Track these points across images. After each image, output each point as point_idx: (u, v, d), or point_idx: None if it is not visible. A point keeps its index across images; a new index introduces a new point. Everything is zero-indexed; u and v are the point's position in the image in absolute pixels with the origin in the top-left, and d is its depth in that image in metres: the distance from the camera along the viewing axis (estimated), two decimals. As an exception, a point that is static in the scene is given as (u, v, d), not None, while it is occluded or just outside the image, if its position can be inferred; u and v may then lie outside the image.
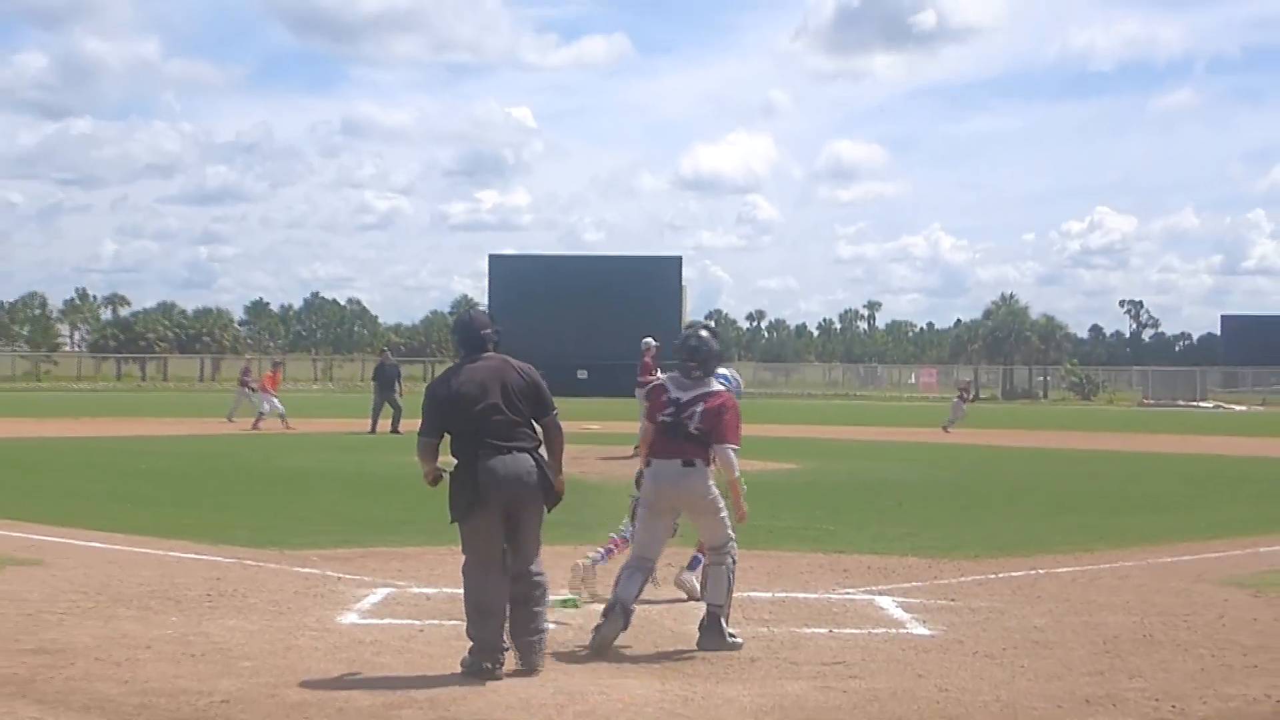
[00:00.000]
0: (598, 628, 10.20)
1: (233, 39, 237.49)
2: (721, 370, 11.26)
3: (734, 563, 10.72)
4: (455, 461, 9.70)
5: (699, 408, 10.60)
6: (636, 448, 12.17)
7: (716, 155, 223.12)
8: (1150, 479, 28.16)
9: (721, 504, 10.75)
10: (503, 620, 9.51)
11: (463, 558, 9.76)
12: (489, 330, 10.07)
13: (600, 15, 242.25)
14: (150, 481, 24.01)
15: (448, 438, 9.76)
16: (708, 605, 10.51)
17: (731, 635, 10.39)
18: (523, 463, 9.66)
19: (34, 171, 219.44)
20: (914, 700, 8.80)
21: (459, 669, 9.35)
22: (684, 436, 10.55)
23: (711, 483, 10.73)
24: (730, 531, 10.76)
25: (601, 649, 10.08)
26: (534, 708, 8.48)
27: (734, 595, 10.84)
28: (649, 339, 28.16)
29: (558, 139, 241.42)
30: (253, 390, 43.68)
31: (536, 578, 9.76)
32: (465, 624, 9.57)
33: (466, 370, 9.87)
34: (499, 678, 9.19)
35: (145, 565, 14.07)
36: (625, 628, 10.28)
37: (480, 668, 9.30)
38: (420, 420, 10.00)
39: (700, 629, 10.44)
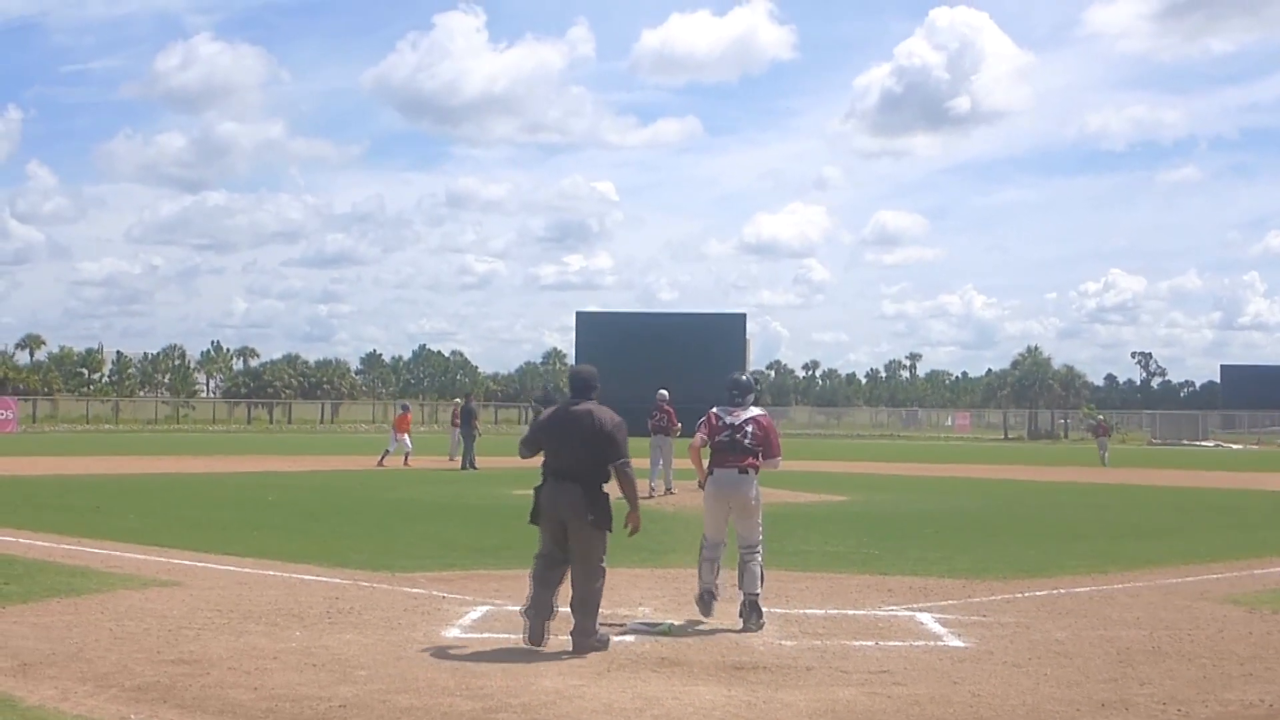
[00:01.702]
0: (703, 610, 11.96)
1: (350, 121, 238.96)
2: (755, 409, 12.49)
3: (761, 559, 12.06)
4: None
5: (750, 427, 12.11)
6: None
7: (776, 224, 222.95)
8: (1157, 509, 28.22)
9: (760, 510, 12.21)
10: (546, 599, 10.76)
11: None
12: (592, 382, 11.23)
13: (673, 100, 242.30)
14: (276, 512, 24.12)
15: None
16: (745, 594, 11.79)
17: (761, 615, 11.75)
18: (570, 492, 10.78)
19: (174, 238, 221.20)
20: (950, 705, 8.81)
21: (554, 675, 9.39)
22: (740, 450, 12.04)
23: (758, 488, 12.17)
24: (762, 534, 12.18)
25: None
26: (616, 710, 8.47)
27: (789, 611, 12.22)
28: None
29: (636, 209, 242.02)
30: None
31: (588, 588, 10.77)
32: None
33: (563, 412, 11.04)
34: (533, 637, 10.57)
35: (272, 586, 14.13)
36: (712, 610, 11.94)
37: (522, 614, 10.76)
38: (525, 434, 11.42)
39: (741, 615, 11.75)
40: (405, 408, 46.66)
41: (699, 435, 12.40)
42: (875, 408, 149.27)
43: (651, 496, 26.30)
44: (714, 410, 12.41)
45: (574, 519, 10.74)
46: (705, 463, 12.39)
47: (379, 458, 42.01)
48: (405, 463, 41.45)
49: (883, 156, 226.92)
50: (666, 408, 28.24)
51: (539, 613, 10.65)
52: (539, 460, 11.10)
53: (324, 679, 9.26)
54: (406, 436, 42.89)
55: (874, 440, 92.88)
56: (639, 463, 13.10)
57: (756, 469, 12.15)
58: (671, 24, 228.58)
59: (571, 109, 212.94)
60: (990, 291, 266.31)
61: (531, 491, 11.09)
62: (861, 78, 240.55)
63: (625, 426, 10.99)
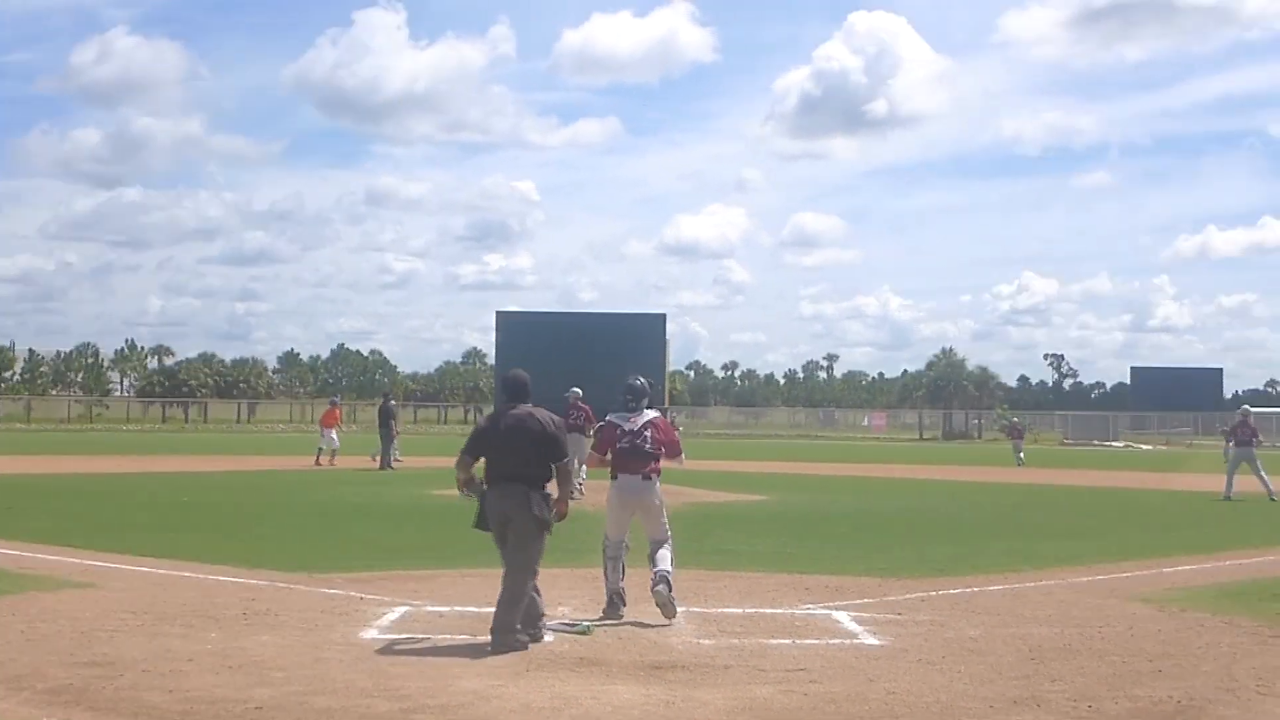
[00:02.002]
0: (611, 614, 12.10)
1: (269, 118, 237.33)
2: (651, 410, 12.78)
3: (670, 546, 12.30)
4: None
5: (649, 431, 12.37)
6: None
7: (696, 225, 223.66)
8: (1069, 509, 28.64)
9: (664, 510, 12.51)
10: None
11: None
12: (529, 386, 11.44)
13: (595, 101, 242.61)
14: (192, 513, 23.94)
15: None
16: (658, 571, 11.95)
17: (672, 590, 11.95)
18: (516, 493, 10.96)
19: (89, 235, 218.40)
20: (866, 702, 8.89)
21: (473, 675, 9.38)
22: (642, 456, 12.29)
23: (660, 491, 12.48)
24: (668, 529, 12.42)
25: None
26: (534, 710, 8.48)
27: (707, 610, 12.49)
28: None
29: (557, 209, 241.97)
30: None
31: (521, 586, 10.88)
32: None
33: (506, 416, 11.27)
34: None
35: (187, 587, 14.02)
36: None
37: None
38: (466, 441, 11.38)
39: (653, 589, 11.89)
40: (334, 402, 46.41)
41: (595, 453, 12.82)
42: (793, 408, 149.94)
43: (574, 496, 26.17)
44: (610, 418, 12.68)
45: (518, 517, 10.94)
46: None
47: (315, 457, 41.77)
48: (331, 461, 41.22)
49: (802, 159, 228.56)
50: (583, 405, 27.94)
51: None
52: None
53: (240, 681, 9.20)
54: (334, 433, 42.60)
55: (792, 440, 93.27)
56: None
57: (659, 473, 12.47)
58: (593, 24, 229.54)
59: (493, 108, 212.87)
60: (906, 293, 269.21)
61: (465, 497, 11.35)
62: (781, 80, 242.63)
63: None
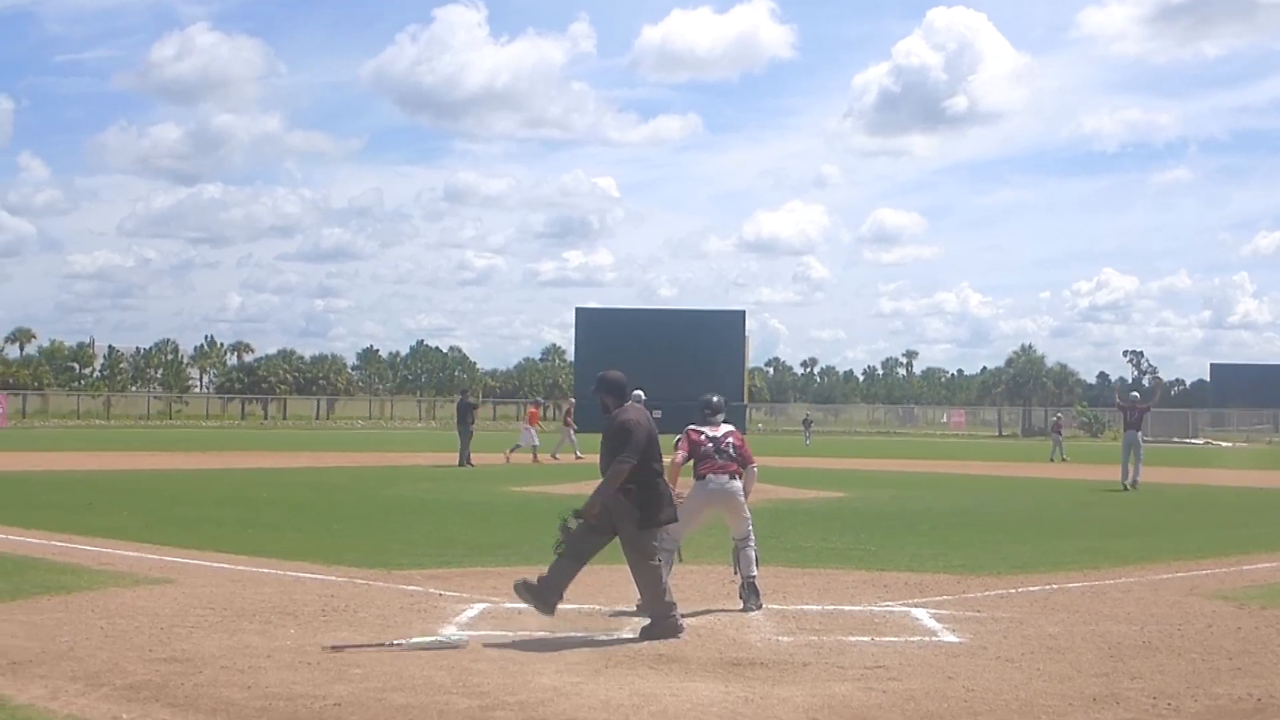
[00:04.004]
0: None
1: (348, 115, 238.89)
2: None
3: (755, 545, 12.80)
4: None
5: (731, 439, 13.01)
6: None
7: (775, 221, 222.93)
8: (1148, 506, 28.19)
9: (746, 507, 12.93)
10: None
11: None
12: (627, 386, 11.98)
13: (674, 97, 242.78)
14: (271, 509, 24.12)
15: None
16: (744, 576, 12.57)
17: (759, 597, 12.56)
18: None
19: (168, 231, 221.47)
20: (945, 699, 8.84)
21: (552, 672, 9.40)
22: (727, 458, 12.85)
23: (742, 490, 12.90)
24: (751, 526, 12.84)
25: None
26: (613, 707, 8.45)
27: (785, 607, 12.55)
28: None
29: (637, 206, 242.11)
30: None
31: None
32: None
33: (647, 415, 11.72)
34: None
35: (266, 584, 14.12)
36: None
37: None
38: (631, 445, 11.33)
39: (741, 596, 12.52)
40: (537, 402, 46.90)
41: (680, 454, 12.93)
42: (872, 405, 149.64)
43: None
44: (691, 427, 13.13)
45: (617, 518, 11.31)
46: (678, 481, 12.88)
47: (532, 455, 42.66)
48: (534, 459, 42.14)
49: (881, 155, 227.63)
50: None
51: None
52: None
53: (318, 677, 9.24)
54: (534, 431, 43.30)
55: (870, 437, 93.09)
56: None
57: (739, 474, 12.89)
58: (672, 20, 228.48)
59: (573, 105, 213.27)
60: (985, 290, 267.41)
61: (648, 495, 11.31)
62: (860, 77, 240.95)
63: None
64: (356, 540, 18.61)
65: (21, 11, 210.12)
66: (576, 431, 45.25)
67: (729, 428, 13.17)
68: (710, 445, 12.88)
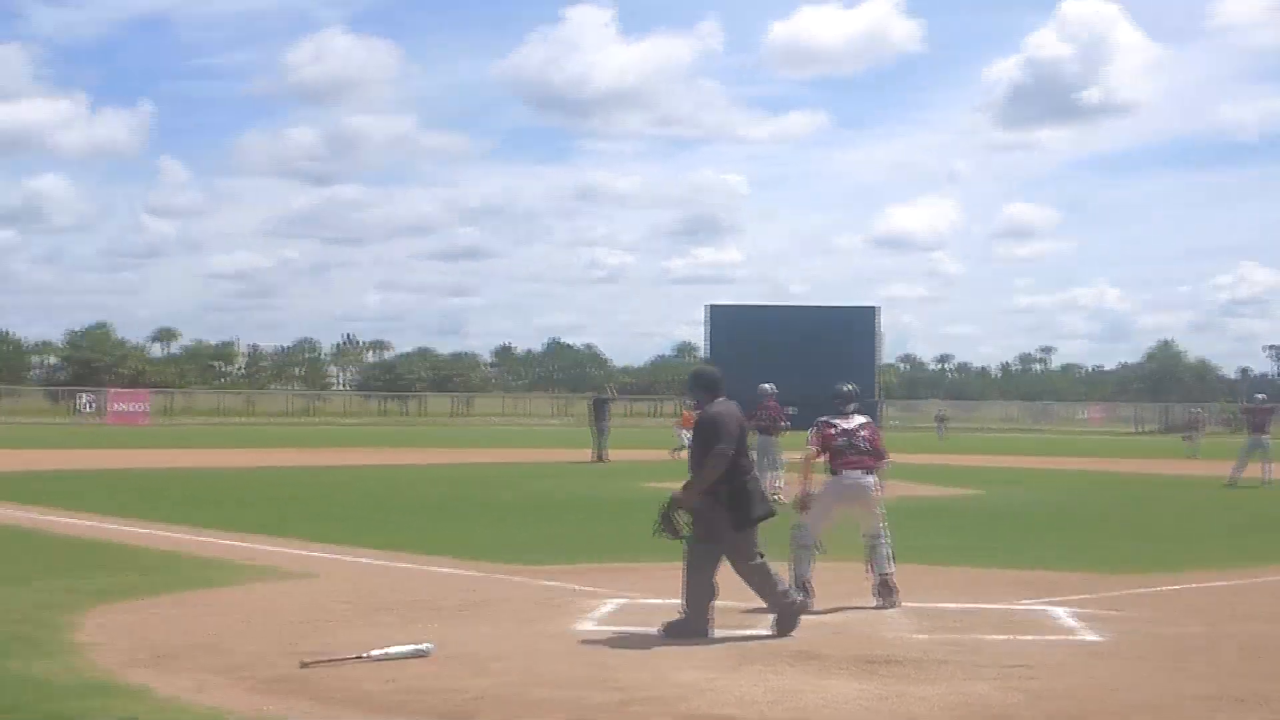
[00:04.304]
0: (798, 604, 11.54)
1: (480, 115, 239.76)
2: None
3: (888, 541, 12.65)
4: None
5: (864, 432, 12.83)
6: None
7: (906, 216, 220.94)
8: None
9: (881, 503, 12.81)
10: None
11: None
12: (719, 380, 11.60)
13: (803, 94, 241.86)
14: (409, 504, 24.35)
15: None
16: (878, 573, 12.49)
17: (894, 594, 12.43)
18: None
19: (306, 232, 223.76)
20: (1084, 699, 8.72)
21: (689, 667, 9.40)
22: (860, 452, 12.69)
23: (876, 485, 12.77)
24: (883, 523, 12.70)
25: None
26: (750, 703, 8.42)
27: (923, 606, 12.37)
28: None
29: (766, 202, 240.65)
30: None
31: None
32: None
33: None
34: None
35: (405, 578, 14.26)
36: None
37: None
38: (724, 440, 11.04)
39: (876, 593, 12.44)
40: (690, 406, 47.04)
41: (812, 448, 12.87)
42: (1007, 401, 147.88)
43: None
44: (823, 419, 13.00)
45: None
46: (811, 477, 12.88)
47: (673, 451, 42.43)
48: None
49: (1013, 149, 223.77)
50: (772, 404, 26.20)
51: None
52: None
53: (458, 671, 9.30)
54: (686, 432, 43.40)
55: (1005, 433, 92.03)
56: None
57: (874, 469, 12.76)
58: (801, 16, 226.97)
59: (702, 102, 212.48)
60: (1122, 284, 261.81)
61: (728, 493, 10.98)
62: (991, 70, 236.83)
63: None
64: (493, 535, 18.75)
65: (159, 18, 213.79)
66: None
67: (862, 419, 13.01)
68: (843, 439, 12.71)
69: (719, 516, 10.89)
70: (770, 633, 10.92)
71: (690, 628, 10.74)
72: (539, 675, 9.19)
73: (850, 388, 13.31)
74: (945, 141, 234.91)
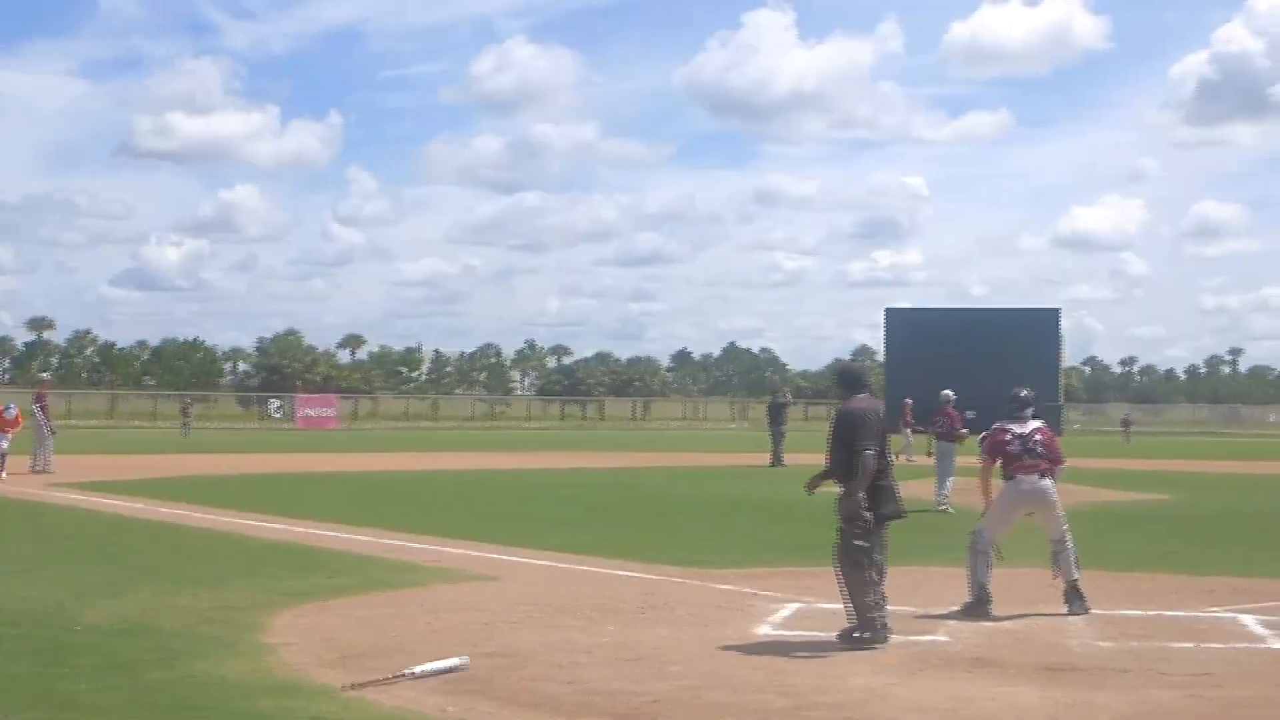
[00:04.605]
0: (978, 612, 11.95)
1: (660, 122, 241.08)
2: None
3: (1073, 545, 12.37)
4: None
5: (1039, 436, 12.57)
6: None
7: (1091, 217, 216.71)
8: None
9: (1060, 505, 12.49)
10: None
11: None
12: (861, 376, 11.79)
13: (984, 93, 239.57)
14: (590, 508, 24.53)
15: None
16: (1065, 580, 12.25)
17: (1084, 599, 12.21)
18: None
19: (490, 239, 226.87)
20: (1274, 708, 8.62)
21: (866, 673, 9.37)
22: (1036, 456, 12.46)
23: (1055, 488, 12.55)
24: (1066, 526, 12.41)
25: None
26: (929, 710, 8.39)
27: (1108, 613, 12.12)
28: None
29: (946, 204, 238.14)
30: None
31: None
32: None
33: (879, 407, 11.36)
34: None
35: (586, 581, 14.37)
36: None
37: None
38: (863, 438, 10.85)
39: (1066, 599, 12.20)
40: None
41: (985, 457, 12.82)
42: (1195, 404, 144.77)
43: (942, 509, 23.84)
44: (998, 425, 12.85)
45: None
46: (990, 485, 12.82)
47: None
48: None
49: (1201, 146, 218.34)
50: (950, 410, 25.10)
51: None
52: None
53: (637, 674, 9.37)
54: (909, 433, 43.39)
55: (1194, 437, 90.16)
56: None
57: (1050, 473, 12.54)
58: (982, 15, 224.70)
59: (881, 104, 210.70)
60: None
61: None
62: (1178, 66, 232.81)
63: None
64: (672, 539, 18.82)
65: (350, 31, 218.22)
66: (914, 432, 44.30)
67: (1037, 423, 12.76)
68: (1018, 444, 12.51)
69: (846, 508, 10.76)
70: (948, 639, 10.85)
71: (861, 633, 10.58)
72: (716, 679, 9.22)
73: (1027, 392, 13.11)
74: (1131, 140, 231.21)
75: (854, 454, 10.75)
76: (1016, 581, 13.07)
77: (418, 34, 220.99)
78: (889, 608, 10.72)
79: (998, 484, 12.63)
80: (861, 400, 11.17)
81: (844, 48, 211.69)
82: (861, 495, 10.67)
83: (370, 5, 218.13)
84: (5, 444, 30.39)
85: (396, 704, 8.40)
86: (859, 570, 10.66)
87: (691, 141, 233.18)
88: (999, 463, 12.59)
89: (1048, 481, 12.44)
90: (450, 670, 9.19)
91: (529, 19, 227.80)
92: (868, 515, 10.66)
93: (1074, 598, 12.19)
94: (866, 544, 10.66)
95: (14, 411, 31.22)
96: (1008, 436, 12.60)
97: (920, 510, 23.22)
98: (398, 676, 8.78)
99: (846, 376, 11.70)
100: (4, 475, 29.54)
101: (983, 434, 13.04)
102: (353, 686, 8.67)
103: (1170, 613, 12.46)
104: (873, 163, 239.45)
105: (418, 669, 8.91)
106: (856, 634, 10.53)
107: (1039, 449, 12.50)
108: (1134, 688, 9.14)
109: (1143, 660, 10.09)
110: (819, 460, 11.36)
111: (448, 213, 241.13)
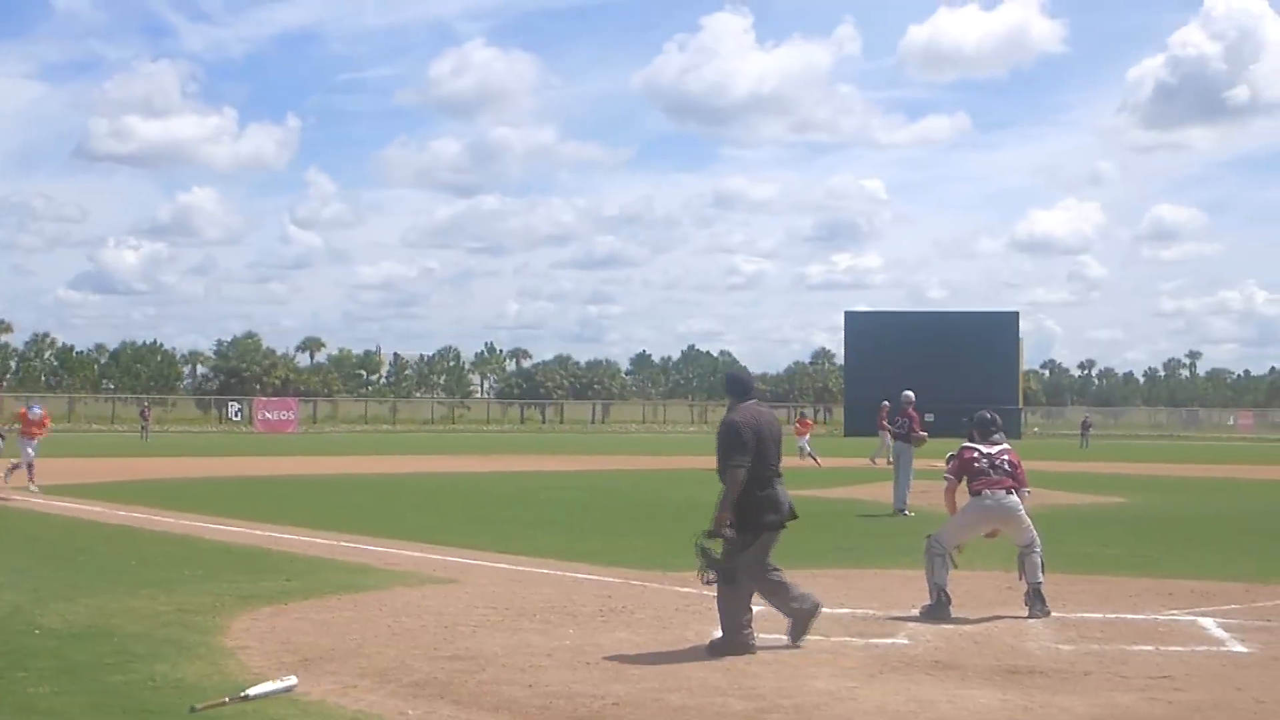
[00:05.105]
0: (938, 614, 11.99)
1: (619, 125, 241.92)
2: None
3: (1040, 551, 12.43)
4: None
5: (1006, 457, 12.69)
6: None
7: (1049, 220, 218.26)
8: None
9: (1027, 517, 12.57)
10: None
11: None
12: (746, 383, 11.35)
13: (942, 97, 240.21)
14: (549, 511, 24.49)
15: None
16: (1029, 583, 12.29)
17: (1045, 603, 12.23)
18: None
19: (449, 241, 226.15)
20: (1233, 711, 8.57)
21: (827, 676, 9.33)
22: (1003, 474, 12.56)
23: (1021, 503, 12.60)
24: (1034, 533, 12.48)
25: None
26: (889, 713, 8.37)
27: (1067, 616, 12.15)
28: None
29: (905, 207, 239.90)
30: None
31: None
32: None
33: (764, 413, 11.03)
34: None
35: (546, 584, 14.32)
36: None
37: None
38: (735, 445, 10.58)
39: (1027, 602, 12.24)
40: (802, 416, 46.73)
41: (950, 478, 12.94)
42: (1153, 407, 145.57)
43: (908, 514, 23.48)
44: (965, 445, 12.88)
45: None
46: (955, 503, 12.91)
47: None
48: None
49: (1158, 150, 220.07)
50: (913, 412, 24.99)
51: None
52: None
53: (597, 677, 9.34)
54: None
55: (1152, 440, 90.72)
56: None
57: (1015, 490, 12.61)
58: (939, 19, 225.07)
59: (840, 107, 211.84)
60: (1273, 287, 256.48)
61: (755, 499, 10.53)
62: (1135, 70, 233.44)
63: None
64: (634, 542, 18.82)
65: (307, 33, 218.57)
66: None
67: (1005, 445, 12.88)
68: (984, 461, 12.62)
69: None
70: (908, 642, 10.84)
71: (728, 644, 10.43)
72: (677, 681, 9.19)
73: (992, 414, 13.27)
74: (1088, 143, 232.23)
75: (725, 469, 10.50)
76: (977, 585, 13.11)
77: (375, 37, 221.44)
78: (854, 611, 10.73)
79: (963, 501, 12.69)
80: (746, 409, 10.85)
81: (802, 50, 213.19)
82: (727, 513, 10.44)
83: (327, 8, 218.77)
84: (33, 451, 27.20)
85: (359, 708, 8.35)
86: (730, 584, 10.55)
87: (650, 144, 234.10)
88: (964, 480, 12.67)
89: (1013, 497, 12.51)
90: (283, 691, 8.69)
91: (487, 21, 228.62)
92: (728, 533, 10.42)
93: (1035, 600, 12.22)
94: (736, 560, 10.51)
95: (39, 412, 28.47)
96: (975, 454, 12.70)
97: (877, 515, 23.31)
98: (236, 699, 8.50)
99: (732, 382, 11.34)
100: (35, 485, 26.65)
101: (949, 454, 13.10)
102: (192, 710, 8.15)
103: (1130, 615, 12.48)
104: (831, 166, 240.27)
105: (252, 691, 8.54)
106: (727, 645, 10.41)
107: (1006, 467, 12.62)
108: (1094, 690, 9.14)
109: (1102, 663, 10.10)
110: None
111: (406, 215, 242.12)
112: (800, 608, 10.63)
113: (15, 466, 27.34)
